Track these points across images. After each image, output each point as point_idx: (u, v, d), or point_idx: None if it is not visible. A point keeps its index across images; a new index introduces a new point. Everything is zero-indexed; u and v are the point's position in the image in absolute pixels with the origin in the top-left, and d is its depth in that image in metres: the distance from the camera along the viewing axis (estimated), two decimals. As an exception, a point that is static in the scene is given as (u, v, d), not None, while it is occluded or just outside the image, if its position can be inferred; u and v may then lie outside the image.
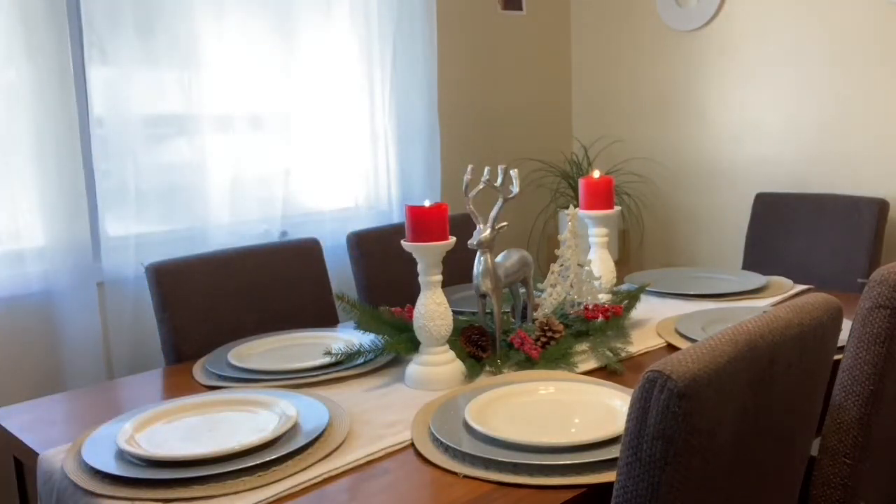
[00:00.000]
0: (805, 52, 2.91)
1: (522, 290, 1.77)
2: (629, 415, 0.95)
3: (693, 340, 1.70)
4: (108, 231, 2.25)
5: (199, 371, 1.68)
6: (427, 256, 1.51)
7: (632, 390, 0.98)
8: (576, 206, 1.91)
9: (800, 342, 1.09)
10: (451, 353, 1.57)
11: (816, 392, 1.21)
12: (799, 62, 2.93)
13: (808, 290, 2.15)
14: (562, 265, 1.83)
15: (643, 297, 1.93)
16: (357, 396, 1.51)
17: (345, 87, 2.73)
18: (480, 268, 1.62)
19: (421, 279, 1.53)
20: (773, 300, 2.06)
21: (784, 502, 1.23)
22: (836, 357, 1.27)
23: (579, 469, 1.16)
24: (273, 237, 2.54)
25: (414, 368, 1.55)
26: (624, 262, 3.42)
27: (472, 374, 1.58)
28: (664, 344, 1.76)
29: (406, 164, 2.88)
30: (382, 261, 2.27)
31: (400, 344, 1.63)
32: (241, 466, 1.17)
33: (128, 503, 1.12)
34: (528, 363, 1.61)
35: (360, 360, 1.65)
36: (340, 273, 2.42)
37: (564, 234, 1.83)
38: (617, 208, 1.96)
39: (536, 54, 3.51)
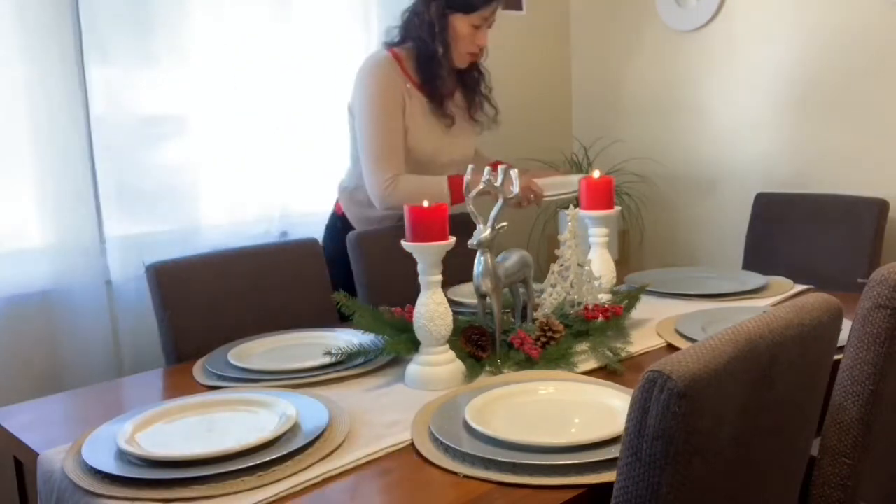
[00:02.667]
0: (805, 52, 2.90)
1: (522, 290, 1.77)
2: (629, 415, 0.95)
3: (693, 340, 1.70)
4: (107, 231, 2.25)
5: (199, 371, 1.68)
6: (427, 256, 1.51)
7: (632, 390, 0.98)
8: (576, 206, 1.91)
9: (800, 342, 1.09)
10: (451, 353, 1.57)
11: (816, 392, 1.21)
12: (799, 62, 2.93)
13: (808, 290, 2.15)
14: (562, 265, 1.83)
15: (643, 297, 1.92)
16: (357, 396, 1.50)
17: (345, 87, 2.72)
18: (480, 268, 1.62)
19: (421, 279, 1.53)
20: (773, 300, 2.06)
21: (784, 502, 1.23)
22: (836, 357, 1.26)
23: (579, 469, 1.15)
24: (273, 237, 2.54)
25: (414, 368, 1.55)
26: (624, 262, 3.42)
27: (472, 374, 1.58)
28: (664, 344, 1.75)
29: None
30: (382, 261, 2.27)
31: (400, 344, 1.63)
32: (241, 466, 1.16)
33: (128, 503, 1.12)
34: (528, 363, 1.61)
35: (360, 360, 1.65)
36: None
37: (564, 235, 1.83)
38: (617, 208, 1.96)
39: (536, 54, 3.50)
